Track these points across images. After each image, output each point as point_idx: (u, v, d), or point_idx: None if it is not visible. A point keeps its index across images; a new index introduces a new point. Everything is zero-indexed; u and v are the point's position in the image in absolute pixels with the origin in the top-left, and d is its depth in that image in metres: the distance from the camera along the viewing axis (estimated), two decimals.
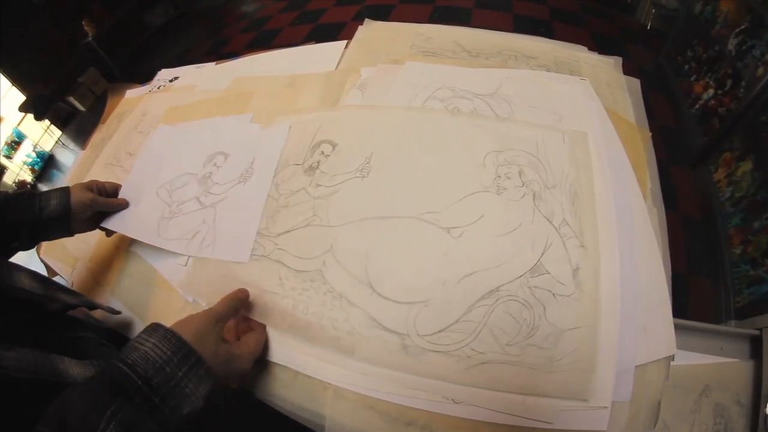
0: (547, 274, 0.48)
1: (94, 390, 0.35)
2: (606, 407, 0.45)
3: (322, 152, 0.62)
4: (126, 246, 0.74)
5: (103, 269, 0.76)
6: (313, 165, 0.62)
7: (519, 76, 0.69)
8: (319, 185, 0.59)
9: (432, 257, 0.51)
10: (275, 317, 0.53)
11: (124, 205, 0.71)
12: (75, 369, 0.44)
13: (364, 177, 0.58)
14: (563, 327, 0.46)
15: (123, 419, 0.34)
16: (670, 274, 0.54)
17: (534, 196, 0.53)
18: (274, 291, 0.54)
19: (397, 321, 0.49)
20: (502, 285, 0.48)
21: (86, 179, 0.89)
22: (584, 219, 0.52)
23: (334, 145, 0.63)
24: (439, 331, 0.47)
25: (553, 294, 0.48)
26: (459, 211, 0.53)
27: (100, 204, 0.68)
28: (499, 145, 0.58)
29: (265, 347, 0.53)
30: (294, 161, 0.64)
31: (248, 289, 0.53)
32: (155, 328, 0.42)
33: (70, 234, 0.66)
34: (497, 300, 0.47)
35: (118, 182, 0.75)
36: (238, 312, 0.52)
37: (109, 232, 0.71)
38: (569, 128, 0.60)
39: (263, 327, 0.53)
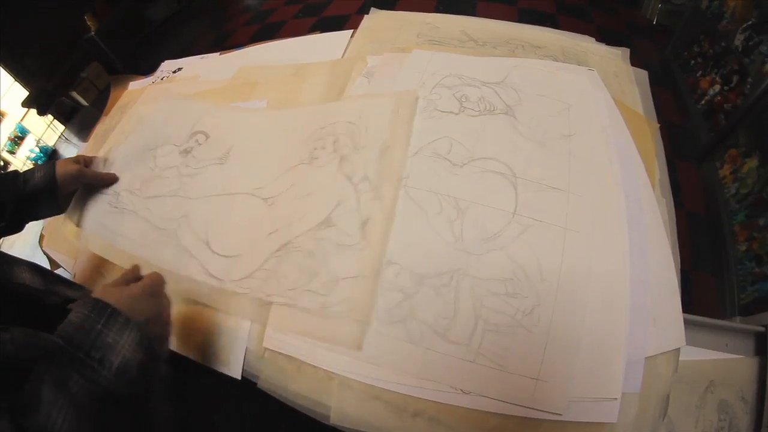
0: (335, 227, 0.56)
1: (36, 367, 0.37)
2: (616, 399, 0.44)
3: (197, 141, 0.74)
4: None
5: (105, 260, 0.76)
6: (188, 149, 0.73)
7: (527, 65, 0.68)
8: (188, 166, 0.71)
9: (251, 222, 0.61)
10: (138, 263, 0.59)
11: (113, 179, 0.71)
12: None
13: (222, 164, 0.69)
14: (341, 275, 0.52)
15: (53, 376, 0.36)
16: (679, 264, 0.53)
17: (341, 159, 0.62)
18: (137, 240, 0.65)
19: (219, 270, 0.58)
20: (293, 239, 0.57)
21: None
22: (386, 172, 0.59)
23: (207, 137, 0.74)
24: (244, 278, 0.57)
25: (337, 244, 0.54)
26: (277, 183, 0.63)
27: (88, 176, 0.68)
28: (324, 121, 0.67)
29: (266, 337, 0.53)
30: (174, 142, 0.75)
31: (119, 237, 0.65)
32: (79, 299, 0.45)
33: (59, 210, 0.67)
34: (287, 252, 0.56)
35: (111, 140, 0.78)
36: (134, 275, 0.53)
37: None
38: (400, 91, 0.67)
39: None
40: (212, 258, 0.60)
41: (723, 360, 0.54)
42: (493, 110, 0.64)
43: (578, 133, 0.60)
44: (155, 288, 0.51)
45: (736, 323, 0.57)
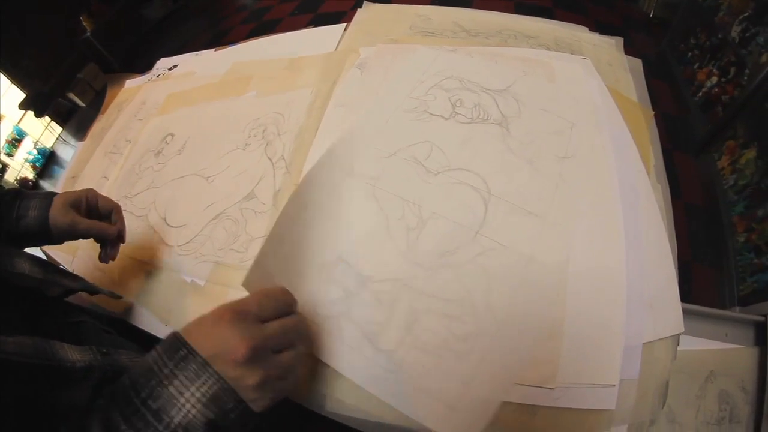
0: (256, 198, 0.67)
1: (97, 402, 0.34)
2: (614, 385, 0.44)
3: (166, 141, 0.87)
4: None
5: (96, 252, 0.76)
6: (159, 150, 0.86)
7: (535, 77, 0.66)
8: (159, 163, 0.83)
9: (195, 197, 0.72)
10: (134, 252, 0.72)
11: (111, 234, 0.60)
12: (75, 354, 0.42)
13: (180, 154, 0.81)
14: (255, 236, 0.62)
15: (102, 421, 0.32)
16: (676, 250, 0.53)
17: (267, 144, 0.73)
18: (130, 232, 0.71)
19: (171, 238, 0.70)
20: (226, 209, 0.68)
21: (86, 169, 0.89)
22: (298, 151, 0.69)
23: (173, 136, 0.86)
24: (187, 243, 0.67)
25: (255, 212, 0.65)
26: (218, 164, 0.74)
27: (81, 229, 0.57)
28: (260, 113, 0.78)
29: None
30: (150, 148, 0.88)
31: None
32: None
33: (56, 243, 0.59)
34: (219, 220, 0.67)
35: (116, 168, 0.83)
36: (275, 311, 0.41)
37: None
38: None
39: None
40: (167, 230, 0.71)
41: (723, 350, 0.53)
42: (486, 119, 0.62)
43: (576, 124, 0.59)
44: (297, 335, 0.42)
45: (736, 313, 0.57)
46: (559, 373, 0.44)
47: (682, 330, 0.49)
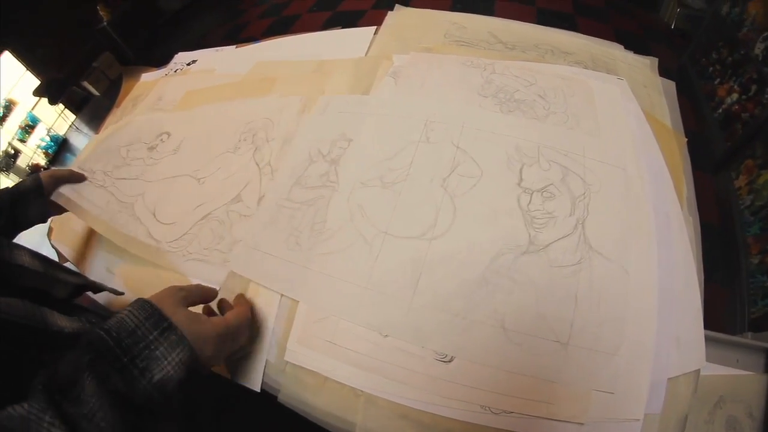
0: (242, 202, 0.69)
1: (77, 351, 0.37)
2: (638, 420, 0.44)
3: (161, 139, 0.87)
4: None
5: (109, 254, 0.77)
6: (153, 146, 0.86)
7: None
8: (152, 158, 0.83)
9: (186, 197, 0.73)
10: (107, 230, 0.75)
11: (80, 177, 0.82)
12: (63, 321, 0.45)
13: (175, 154, 0.82)
14: (238, 237, 0.65)
15: (97, 371, 0.36)
16: (703, 284, 0.52)
17: (256, 149, 0.75)
18: (104, 209, 0.77)
19: (158, 233, 0.71)
20: (213, 211, 0.69)
21: None
22: (283, 158, 0.71)
23: (169, 134, 0.87)
24: (175, 240, 0.69)
25: (240, 215, 0.67)
26: (209, 166, 0.76)
27: (62, 174, 0.80)
28: (252, 116, 0.80)
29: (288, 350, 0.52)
30: (144, 140, 0.87)
31: (88, 203, 0.78)
32: (136, 300, 0.43)
33: (45, 212, 0.75)
34: (207, 220, 0.69)
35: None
36: (202, 299, 0.53)
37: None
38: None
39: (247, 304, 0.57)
40: (155, 224, 0.72)
41: (733, 376, 0.53)
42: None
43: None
44: (240, 330, 0.51)
45: (748, 339, 0.56)
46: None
47: (704, 364, 0.48)
